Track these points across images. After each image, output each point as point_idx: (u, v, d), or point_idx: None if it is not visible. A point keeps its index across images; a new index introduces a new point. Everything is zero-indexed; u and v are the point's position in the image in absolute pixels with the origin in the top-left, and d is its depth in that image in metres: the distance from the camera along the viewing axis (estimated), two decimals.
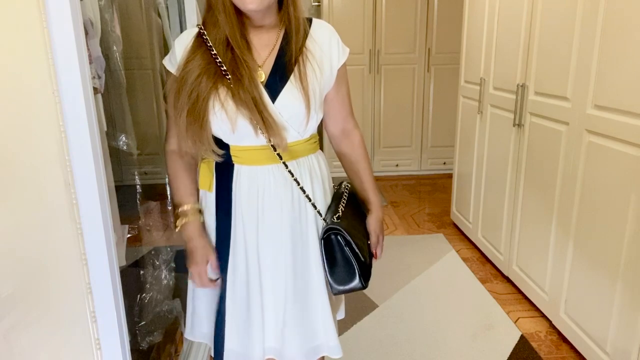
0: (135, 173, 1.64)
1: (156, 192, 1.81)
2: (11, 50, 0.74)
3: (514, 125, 2.38)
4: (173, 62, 1.06)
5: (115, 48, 1.39)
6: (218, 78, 1.00)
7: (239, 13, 1.01)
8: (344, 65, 1.14)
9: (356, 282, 1.10)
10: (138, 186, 1.65)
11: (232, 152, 1.07)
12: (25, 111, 0.76)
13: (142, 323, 1.62)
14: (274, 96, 1.03)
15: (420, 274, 2.68)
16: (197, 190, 1.16)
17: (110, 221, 0.92)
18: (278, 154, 1.05)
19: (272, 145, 1.03)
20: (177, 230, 1.13)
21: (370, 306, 2.36)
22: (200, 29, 1.04)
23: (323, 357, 1.20)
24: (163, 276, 1.75)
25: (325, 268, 1.11)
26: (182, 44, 1.06)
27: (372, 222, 1.20)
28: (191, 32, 1.07)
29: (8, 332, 0.71)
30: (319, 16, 4.14)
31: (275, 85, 1.03)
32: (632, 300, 1.62)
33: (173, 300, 1.79)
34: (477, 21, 2.82)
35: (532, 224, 2.28)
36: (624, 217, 1.64)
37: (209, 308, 1.18)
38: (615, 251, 1.69)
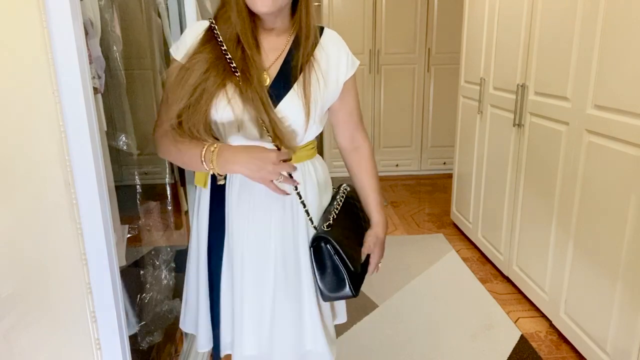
0: (135, 173, 1.64)
1: (156, 192, 1.81)
2: (11, 50, 0.74)
3: (514, 125, 2.38)
4: (181, 49, 1.04)
5: (115, 48, 1.39)
6: (227, 75, 0.98)
7: (252, 13, 1.00)
8: (353, 77, 1.12)
9: (346, 291, 1.09)
10: (138, 186, 1.64)
11: None
12: (25, 111, 0.76)
13: (142, 323, 1.62)
14: (275, 102, 1.02)
15: (420, 274, 2.68)
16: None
17: (110, 221, 0.91)
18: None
19: (275, 146, 1.03)
20: (212, 161, 0.98)
21: (370, 306, 2.36)
22: (212, 23, 1.03)
23: None
24: (163, 276, 1.75)
25: (315, 275, 1.10)
26: (193, 33, 1.04)
27: (368, 239, 1.18)
28: (203, 24, 1.06)
29: (8, 332, 0.71)
30: (319, 16, 4.14)
31: (278, 91, 1.02)
32: (632, 300, 1.62)
33: (173, 300, 1.79)
34: (477, 21, 2.82)
35: (532, 224, 2.28)
36: (624, 217, 1.64)
37: (195, 300, 1.19)
38: (615, 251, 1.69)
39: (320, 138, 4.05)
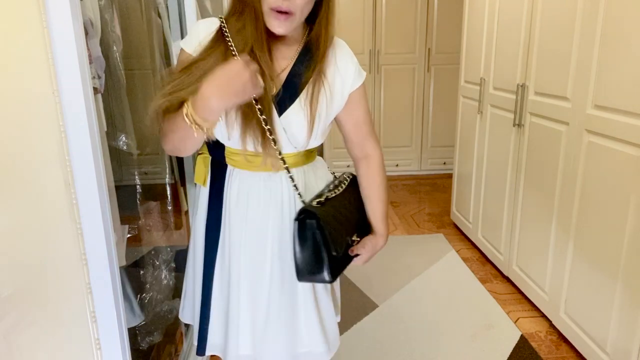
0: (135, 173, 1.64)
1: (156, 192, 1.81)
2: (11, 50, 0.74)
3: (514, 125, 2.38)
4: (194, 42, 1.01)
5: (115, 48, 1.39)
6: None
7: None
8: (360, 89, 1.11)
9: (323, 274, 1.05)
10: (138, 186, 1.65)
11: (226, 154, 1.07)
12: (25, 111, 0.76)
13: (142, 323, 1.62)
14: (280, 112, 1.01)
15: (420, 274, 2.68)
16: None
17: (110, 221, 0.92)
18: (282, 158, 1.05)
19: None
20: (192, 114, 0.89)
21: (370, 306, 2.36)
22: (222, 24, 1.00)
23: None
24: (163, 276, 1.75)
25: (294, 250, 1.05)
26: (207, 30, 1.01)
27: (366, 242, 1.15)
28: (215, 22, 1.03)
29: (8, 332, 0.71)
30: None
31: (283, 102, 1.01)
32: (632, 300, 1.62)
33: (173, 300, 1.79)
34: (477, 21, 2.82)
35: (532, 224, 2.28)
36: (624, 217, 1.64)
37: (192, 294, 1.19)
38: (615, 251, 1.69)
39: None
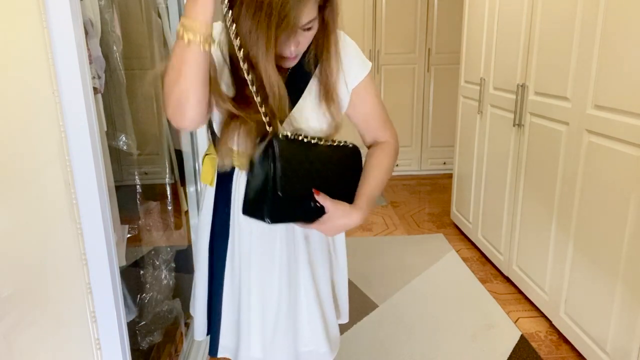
0: (135, 173, 1.64)
1: (156, 192, 1.81)
2: (11, 50, 0.74)
3: (514, 125, 2.38)
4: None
5: (115, 48, 1.39)
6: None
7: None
8: (365, 82, 1.06)
9: (263, 212, 0.94)
10: (138, 186, 1.65)
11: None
12: (25, 111, 0.76)
13: (142, 323, 1.62)
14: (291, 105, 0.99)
15: (420, 274, 2.68)
16: None
17: (110, 221, 0.92)
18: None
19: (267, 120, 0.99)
20: (186, 24, 0.81)
21: (370, 306, 2.36)
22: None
23: None
24: (163, 276, 1.75)
25: (247, 178, 0.98)
26: (215, 30, 0.94)
27: (338, 204, 0.99)
28: (218, 27, 0.99)
29: (8, 332, 0.71)
30: None
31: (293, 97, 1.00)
32: (632, 300, 1.62)
33: (173, 300, 1.79)
34: (477, 21, 2.82)
35: (532, 224, 2.28)
36: (624, 217, 1.64)
37: (204, 289, 1.19)
38: (615, 251, 1.69)
39: None
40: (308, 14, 0.87)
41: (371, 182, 1.05)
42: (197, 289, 1.19)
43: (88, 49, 1.15)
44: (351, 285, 2.55)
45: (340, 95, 1.04)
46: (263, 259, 1.08)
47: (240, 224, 1.08)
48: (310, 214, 0.99)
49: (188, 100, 0.86)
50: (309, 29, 0.90)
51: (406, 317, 2.26)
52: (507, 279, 2.59)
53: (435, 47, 4.30)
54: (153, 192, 1.79)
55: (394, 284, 2.56)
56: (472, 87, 2.93)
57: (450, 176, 3.61)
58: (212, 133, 1.07)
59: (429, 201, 3.91)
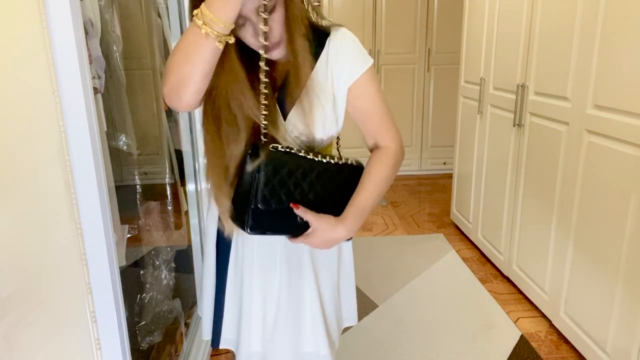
0: (135, 173, 1.65)
1: (156, 192, 1.81)
2: (11, 50, 0.74)
3: (514, 125, 2.38)
4: None
5: (115, 48, 1.39)
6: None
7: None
8: (360, 80, 1.00)
9: (243, 220, 0.92)
10: (138, 186, 1.65)
11: None
12: (25, 111, 0.76)
13: (142, 323, 1.62)
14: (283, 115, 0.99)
15: (420, 274, 2.68)
16: None
17: (110, 221, 0.92)
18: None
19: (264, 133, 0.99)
20: (207, 15, 0.79)
21: (370, 306, 2.36)
22: None
23: None
24: (163, 276, 1.75)
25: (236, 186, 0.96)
26: None
27: (323, 217, 0.96)
28: None
29: (8, 332, 0.71)
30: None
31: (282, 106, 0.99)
32: (632, 300, 1.62)
33: (173, 300, 1.79)
34: (477, 21, 2.82)
35: (532, 224, 2.28)
36: (624, 217, 1.64)
37: (211, 287, 1.19)
38: (615, 251, 1.69)
39: None
40: None
41: (363, 195, 1.00)
42: (205, 288, 1.19)
43: (88, 49, 1.15)
44: None
45: (324, 93, 0.99)
46: (264, 257, 1.09)
47: None
48: (295, 229, 0.97)
49: (188, 87, 0.84)
50: (265, 10, 0.85)
51: (406, 317, 2.26)
52: (507, 279, 2.59)
53: (435, 47, 4.30)
54: (153, 192, 1.79)
55: (394, 284, 2.56)
56: (472, 87, 2.93)
57: (450, 176, 3.61)
58: None
59: (429, 201, 3.91)
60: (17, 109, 0.75)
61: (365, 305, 2.35)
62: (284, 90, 0.98)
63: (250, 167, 0.91)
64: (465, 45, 3.03)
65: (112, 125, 1.50)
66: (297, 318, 1.12)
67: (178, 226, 1.98)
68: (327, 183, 0.98)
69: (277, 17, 0.89)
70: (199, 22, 0.79)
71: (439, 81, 4.37)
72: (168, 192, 1.82)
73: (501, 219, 2.58)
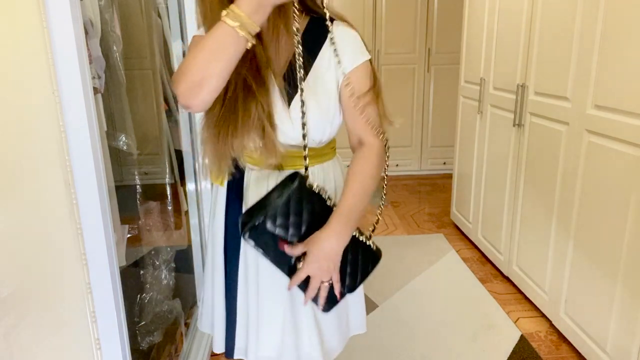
0: (135, 173, 1.64)
1: (156, 192, 1.81)
2: (11, 50, 0.74)
3: (514, 125, 2.38)
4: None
5: (115, 48, 1.39)
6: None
7: None
8: (355, 73, 1.02)
9: (245, 227, 0.95)
10: (138, 186, 1.65)
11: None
12: (25, 111, 0.76)
13: (142, 323, 1.62)
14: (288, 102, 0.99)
15: (420, 274, 2.68)
16: None
17: (110, 221, 0.92)
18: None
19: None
20: (239, 13, 0.81)
21: (370, 306, 2.36)
22: None
23: None
24: (163, 276, 1.75)
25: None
26: None
27: (309, 239, 0.95)
28: None
29: (8, 332, 0.71)
30: None
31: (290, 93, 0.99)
32: (632, 300, 1.62)
33: (173, 300, 1.79)
34: (477, 21, 2.82)
35: (532, 224, 2.28)
36: (624, 217, 1.64)
37: (211, 301, 1.18)
38: (615, 251, 1.69)
39: None
40: None
41: (347, 196, 0.98)
42: (215, 303, 1.16)
43: (88, 49, 1.16)
44: None
45: (325, 82, 1.01)
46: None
47: None
48: (281, 261, 0.98)
49: (210, 84, 0.84)
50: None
51: (406, 317, 2.26)
52: (507, 279, 2.59)
53: (435, 47, 4.30)
54: (153, 192, 1.79)
55: (394, 284, 2.56)
56: (472, 87, 2.93)
57: (450, 176, 3.61)
58: None
59: (429, 201, 3.91)
60: (17, 109, 0.75)
61: (365, 305, 2.35)
62: (289, 80, 0.99)
63: (282, 189, 0.96)
64: (465, 45, 3.03)
65: (112, 125, 1.50)
66: (298, 319, 1.12)
67: (178, 226, 1.98)
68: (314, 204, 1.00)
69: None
70: (235, 24, 0.81)
71: (439, 81, 4.37)
72: (168, 192, 1.82)
73: (501, 218, 2.58)
